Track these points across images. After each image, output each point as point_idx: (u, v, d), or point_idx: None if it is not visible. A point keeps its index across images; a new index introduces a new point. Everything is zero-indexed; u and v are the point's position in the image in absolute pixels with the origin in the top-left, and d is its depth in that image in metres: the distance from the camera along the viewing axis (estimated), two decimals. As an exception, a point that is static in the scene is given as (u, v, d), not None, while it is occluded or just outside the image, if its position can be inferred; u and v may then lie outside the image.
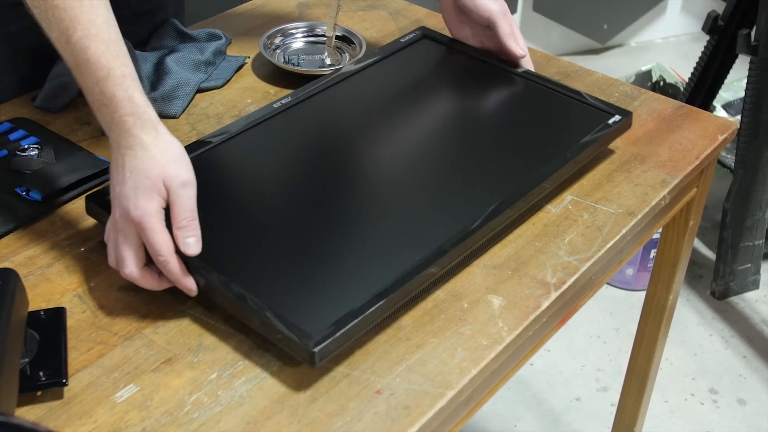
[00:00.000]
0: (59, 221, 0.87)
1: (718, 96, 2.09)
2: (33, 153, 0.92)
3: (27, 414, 0.68)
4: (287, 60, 1.12)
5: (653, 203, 0.92)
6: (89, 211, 0.84)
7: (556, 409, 1.73)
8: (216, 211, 0.82)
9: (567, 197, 0.91)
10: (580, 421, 1.71)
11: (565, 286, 0.81)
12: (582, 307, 0.92)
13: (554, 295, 0.80)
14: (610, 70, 2.26)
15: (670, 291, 1.18)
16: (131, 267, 0.74)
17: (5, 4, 0.98)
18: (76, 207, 0.88)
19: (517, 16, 2.80)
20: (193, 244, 0.74)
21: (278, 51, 1.14)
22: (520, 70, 1.03)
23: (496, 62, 1.05)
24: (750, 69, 1.77)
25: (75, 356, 0.72)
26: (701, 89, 1.97)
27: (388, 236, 0.80)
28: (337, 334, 0.69)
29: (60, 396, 0.69)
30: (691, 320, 1.94)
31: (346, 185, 0.88)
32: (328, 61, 1.12)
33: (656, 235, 1.33)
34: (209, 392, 0.70)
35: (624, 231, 0.88)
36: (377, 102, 1.00)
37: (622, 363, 1.37)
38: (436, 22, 1.24)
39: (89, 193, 0.84)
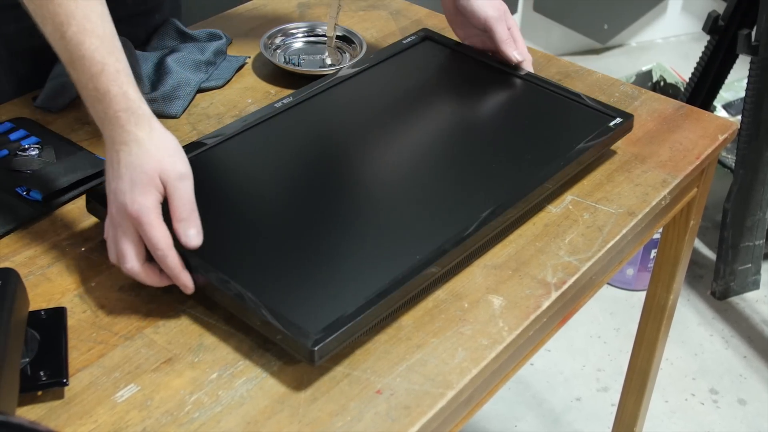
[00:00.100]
0: (60, 221, 0.87)
1: (718, 96, 2.09)
2: (33, 153, 0.92)
3: (28, 414, 0.68)
4: (288, 60, 1.12)
5: (654, 203, 0.92)
6: (90, 208, 0.84)
7: (556, 409, 1.73)
8: (218, 210, 0.83)
9: (567, 197, 0.91)
10: (580, 421, 1.71)
11: (565, 286, 0.81)
12: (582, 307, 0.92)
13: (555, 295, 0.80)
14: (610, 70, 2.26)
15: (671, 291, 1.18)
16: (132, 262, 0.74)
17: (2, 6, 0.98)
18: (77, 207, 0.88)
19: (518, 16, 2.80)
20: (194, 236, 0.74)
21: (279, 51, 1.14)
22: (521, 72, 1.03)
23: (498, 65, 1.05)
24: (750, 69, 1.77)
25: (75, 356, 0.72)
26: (702, 89, 1.97)
27: (389, 236, 0.80)
28: (337, 332, 0.69)
29: (60, 396, 0.69)
30: (691, 320, 1.94)
31: (347, 184, 0.88)
32: (328, 61, 1.12)
33: (657, 235, 1.33)
34: (210, 392, 0.70)
35: (624, 231, 0.88)
36: (378, 103, 1.00)
37: (623, 363, 1.37)
38: (436, 22, 1.24)
39: (89, 190, 0.84)
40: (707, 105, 1.99)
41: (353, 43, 1.15)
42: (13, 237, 0.85)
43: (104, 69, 0.74)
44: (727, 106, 2.33)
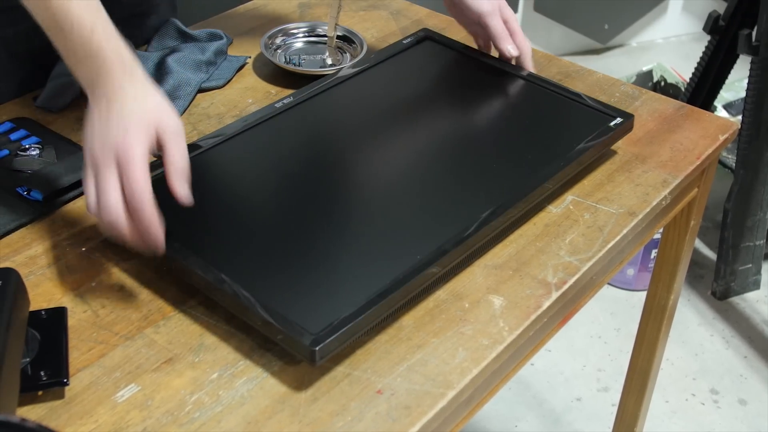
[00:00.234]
0: (60, 221, 0.87)
1: (719, 96, 2.09)
2: (34, 153, 0.92)
3: (28, 413, 0.68)
4: (288, 60, 1.12)
5: (654, 203, 0.92)
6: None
7: (556, 409, 1.73)
8: (219, 210, 0.83)
9: (568, 197, 0.91)
10: (580, 422, 1.71)
11: (566, 286, 0.81)
12: (583, 308, 0.92)
13: (555, 295, 0.80)
14: (611, 70, 2.26)
15: (671, 291, 1.18)
16: (116, 206, 0.70)
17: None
18: (77, 207, 0.88)
19: (518, 16, 2.80)
20: (187, 192, 0.74)
21: (279, 51, 1.14)
22: (523, 72, 1.03)
23: (499, 64, 1.05)
24: (751, 69, 1.77)
25: (76, 356, 0.72)
26: (702, 89, 1.97)
27: (390, 236, 0.80)
28: (338, 332, 0.69)
29: (61, 396, 0.69)
30: (692, 320, 1.94)
31: (348, 184, 0.88)
32: (329, 61, 1.12)
33: (657, 236, 1.33)
34: (210, 392, 0.70)
35: (625, 231, 0.88)
36: (379, 103, 1.00)
37: (623, 363, 1.37)
38: (437, 22, 1.24)
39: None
40: (708, 105, 1.99)
41: (354, 43, 1.15)
42: (14, 237, 0.85)
43: (94, 29, 0.74)
44: (727, 106, 2.33)
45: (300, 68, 1.10)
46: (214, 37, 1.13)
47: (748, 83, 1.77)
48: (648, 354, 1.27)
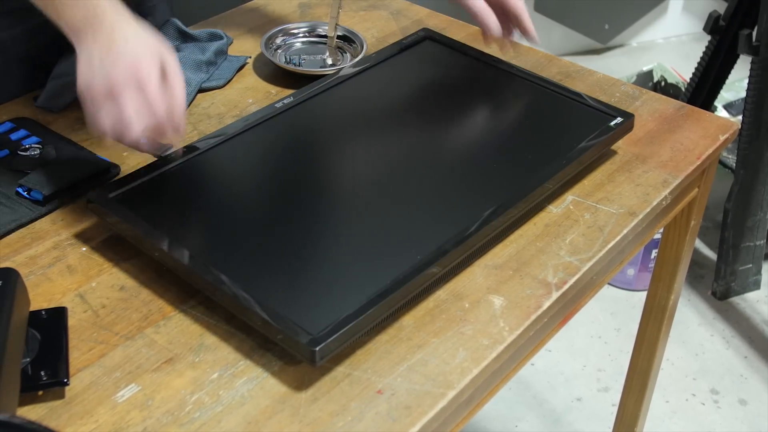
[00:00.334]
0: (60, 221, 0.87)
1: (719, 96, 2.09)
2: (34, 153, 0.92)
3: (28, 413, 0.68)
4: (288, 60, 1.12)
5: (654, 203, 0.92)
6: (91, 208, 0.84)
7: (557, 409, 1.73)
8: (219, 210, 0.83)
9: (568, 197, 0.91)
10: (581, 422, 1.71)
11: (566, 287, 0.81)
12: (583, 308, 0.92)
13: (555, 295, 0.80)
14: (611, 70, 2.26)
15: (672, 291, 1.18)
16: (140, 124, 0.76)
17: None
18: (78, 207, 0.88)
19: (519, 16, 2.79)
20: (182, 133, 0.81)
21: (279, 51, 1.14)
22: (523, 73, 1.03)
23: (499, 64, 1.05)
24: (751, 69, 1.77)
25: (76, 356, 0.72)
26: (702, 89, 1.97)
27: (390, 236, 0.80)
28: (338, 333, 0.69)
29: (61, 395, 0.69)
30: (692, 320, 1.94)
31: (348, 184, 0.88)
32: (329, 61, 1.12)
33: (657, 236, 1.33)
34: (210, 392, 0.70)
35: (625, 231, 0.88)
36: (379, 103, 1.00)
37: (623, 363, 1.37)
38: (437, 22, 1.24)
39: (90, 190, 0.84)
40: (708, 105, 1.99)
41: (354, 43, 1.15)
42: (14, 237, 0.85)
43: None
44: (727, 106, 2.33)
45: (300, 68, 1.10)
46: (214, 37, 1.13)
47: (749, 83, 1.77)
48: (648, 354, 1.27)
